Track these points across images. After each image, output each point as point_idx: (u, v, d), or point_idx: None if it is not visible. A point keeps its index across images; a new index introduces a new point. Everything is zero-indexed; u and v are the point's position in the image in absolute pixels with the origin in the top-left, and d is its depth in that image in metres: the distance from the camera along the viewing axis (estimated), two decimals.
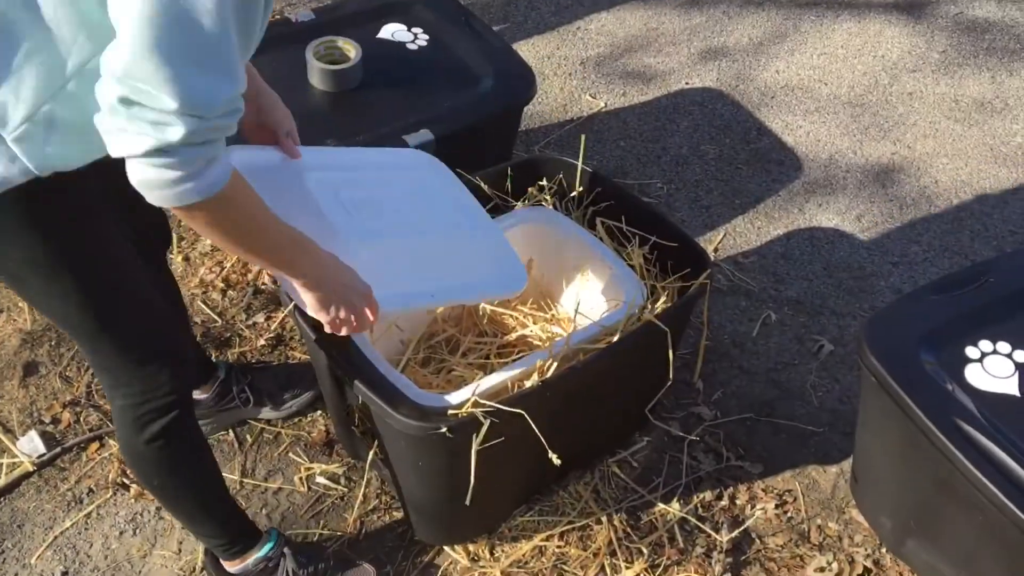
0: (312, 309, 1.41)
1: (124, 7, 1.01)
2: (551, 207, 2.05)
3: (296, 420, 2.14)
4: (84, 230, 1.32)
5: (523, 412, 1.55)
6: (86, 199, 1.30)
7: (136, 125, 1.05)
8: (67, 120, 1.19)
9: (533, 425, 1.57)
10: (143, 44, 1.01)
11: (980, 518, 1.58)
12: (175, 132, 1.05)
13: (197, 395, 2.00)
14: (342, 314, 1.41)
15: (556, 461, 1.61)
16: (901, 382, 1.63)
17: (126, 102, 1.04)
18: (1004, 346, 1.66)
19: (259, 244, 1.27)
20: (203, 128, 1.07)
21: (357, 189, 1.58)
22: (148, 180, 1.09)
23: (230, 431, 2.11)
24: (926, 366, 1.64)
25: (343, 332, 1.46)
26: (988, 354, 1.65)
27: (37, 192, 1.22)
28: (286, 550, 1.77)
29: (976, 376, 1.62)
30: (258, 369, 2.14)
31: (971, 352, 1.66)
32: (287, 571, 1.76)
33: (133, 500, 1.99)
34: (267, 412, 2.11)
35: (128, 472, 2.03)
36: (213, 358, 2.13)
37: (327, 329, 1.46)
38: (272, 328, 2.33)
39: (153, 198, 1.12)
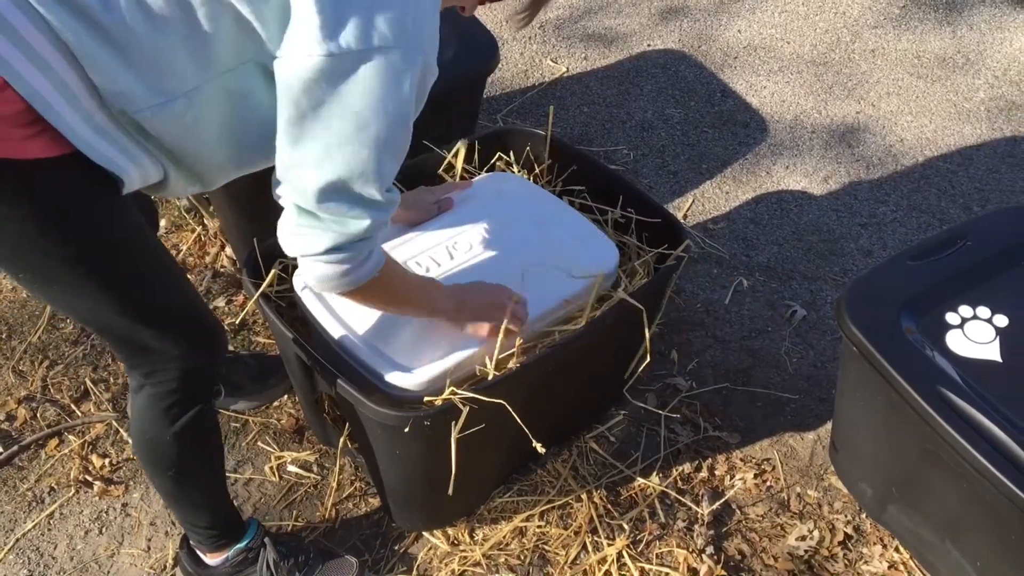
0: (472, 333, 1.60)
1: (352, 125, 1.17)
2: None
3: (264, 407, 2.08)
4: (124, 226, 1.28)
5: (504, 402, 1.51)
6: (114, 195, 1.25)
7: (323, 223, 1.24)
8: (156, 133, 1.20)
9: (515, 415, 1.53)
10: (373, 152, 1.19)
11: (963, 484, 1.57)
12: (358, 225, 1.24)
13: None
14: (496, 317, 1.58)
15: (540, 450, 1.58)
16: (882, 350, 1.61)
17: (325, 195, 1.21)
18: (984, 311, 1.65)
19: (407, 303, 1.50)
20: (383, 220, 1.27)
21: (422, 250, 1.78)
22: (323, 275, 1.29)
23: None
24: (907, 333, 1.62)
25: (507, 328, 1.59)
26: (968, 319, 1.64)
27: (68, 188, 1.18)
28: (266, 540, 1.73)
29: (957, 342, 1.61)
30: (230, 361, 2.07)
31: (951, 318, 1.64)
32: (267, 562, 1.71)
33: (97, 498, 1.92)
34: (241, 404, 2.04)
35: (89, 469, 1.96)
36: None
37: (489, 335, 1.61)
38: (233, 312, 2.25)
39: (321, 288, 1.32)
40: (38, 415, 2.05)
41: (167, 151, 1.23)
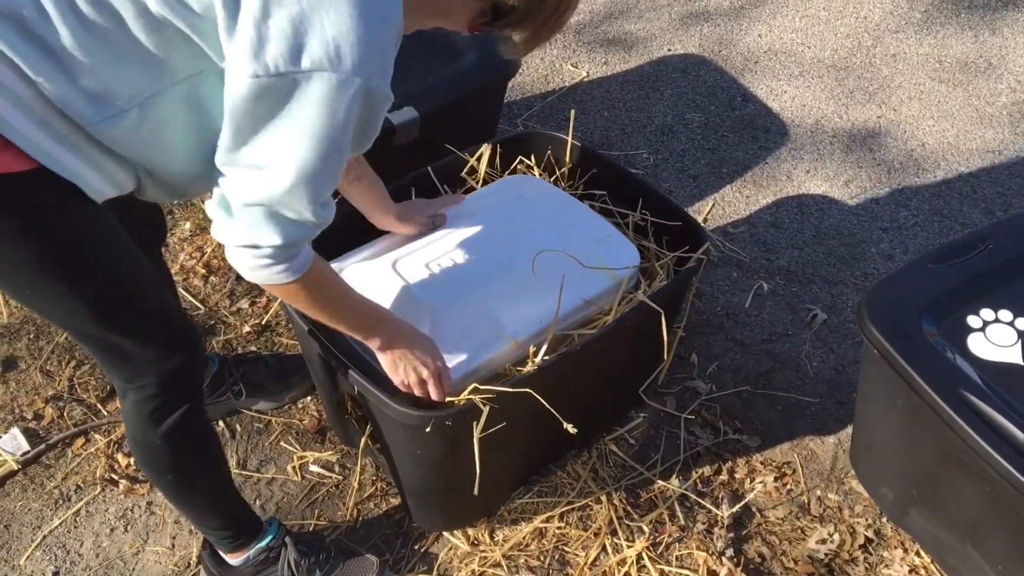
0: (385, 368, 1.56)
1: (277, 149, 1.14)
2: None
3: (286, 408, 2.10)
4: (95, 234, 1.27)
5: (530, 390, 1.52)
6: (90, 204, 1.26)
7: (239, 223, 1.21)
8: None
9: (542, 400, 1.55)
10: (298, 178, 1.16)
11: (985, 488, 1.57)
12: (269, 239, 1.21)
13: None
14: (411, 377, 1.55)
15: (572, 431, 1.58)
16: (904, 353, 1.60)
17: (247, 205, 1.19)
18: (1006, 314, 1.64)
19: (334, 318, 1.44)
20: (300, 237, 1.24)
21: (444, 252, 1.78)
22: (237, 262, 1.26)
23: (219, 421, 2.06)
24: (928, 336, 1.62)
25: (417, 393, 1.57)
26: (990, 323, 1.63)
27: (44, 199, 1.19)
28: (287, 540, 1.74)
29: (978, 345, 1.61)
30: (250, 361, 2.09)
31: (973, 321, 1.64)
32: (289, 561, 1.73)
33: (123, 496, 1.95)
34: (262, 404, 2.07)
35: (115, 468, 1.99)
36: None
37: (401, 389, 1.58)
38: (257, 314, 2.27)
39: (240, 271, 1.27)
40: (65, 414, 2.08)
41: (136, 161, 1.22)
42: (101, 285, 1.29)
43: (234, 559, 1.72)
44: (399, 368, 1.54)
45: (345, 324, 1.47)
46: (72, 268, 1.25)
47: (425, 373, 1.54)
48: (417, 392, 1.56)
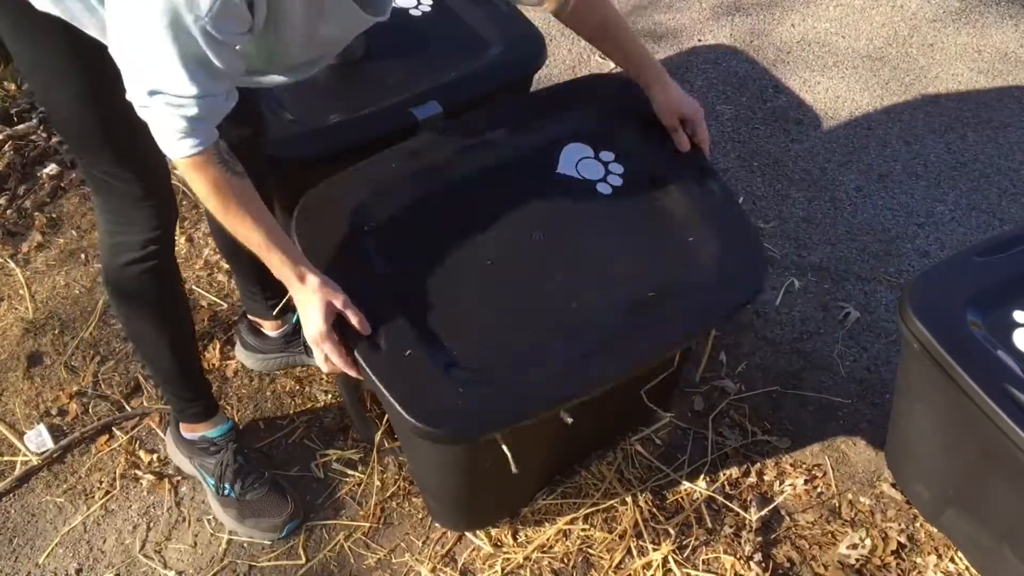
0: (306, 325, 1.46)
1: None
2: None
3: (309, 406, 2.09)
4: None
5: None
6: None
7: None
8: None
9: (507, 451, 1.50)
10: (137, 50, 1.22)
11: None
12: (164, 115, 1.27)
13: (268, 331, 2.11)
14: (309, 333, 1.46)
15: (514, 470, 1.53)
16: (947, 346, 1.55)
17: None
18: None
19: (233, 223, 1.38)
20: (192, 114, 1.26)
21: None
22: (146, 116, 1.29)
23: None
24: (973, 330, 1.57)
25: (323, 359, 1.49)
26: None
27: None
28: (231, 444, 1.89)
29: None
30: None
31: (1019, 316, 1.59)
32: (223, 462, 1.87)
33: (146, 493, 1.94)
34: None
35: (139, 464, 1.99)
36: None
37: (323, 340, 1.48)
38: None
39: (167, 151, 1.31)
40: (89, 410, 2.08)
41: None
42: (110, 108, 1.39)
43: (187, 433, 1.90)
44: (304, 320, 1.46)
45: (251, 244, 1.41)
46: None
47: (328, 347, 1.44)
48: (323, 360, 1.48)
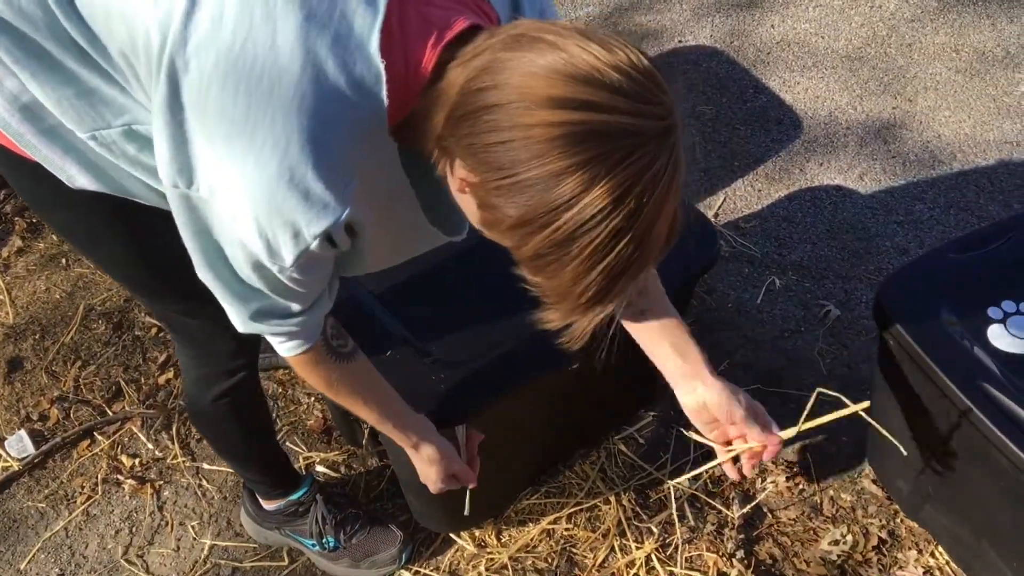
0: (422, 476, 1.53)
1: None
2: None
3: (292, 408, 2.09)
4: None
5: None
6: None
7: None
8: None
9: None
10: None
11: (1001, 482, 1.53)
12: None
13: None
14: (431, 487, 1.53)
15: (466, 512, 1.56)
16: (922, 343, 1.57)
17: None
18: None
19: (354, 406, 1.37)
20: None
21: None
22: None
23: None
24: (947, 326, 1.58)
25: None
26: (1011, 314, 1.59)
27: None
28: (318, 497, 1.81)
29: (999, 337, 1.56)
30: None
31: (993, 312, 1.60)
32: (317, 517, 1.80)
33: (128, 498, 1.94)
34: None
35: (120, 469, 1.98)
36: None
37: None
38: None
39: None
40: (71, 415, 2.07)
41: None
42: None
43: (268, 505, 1.81)
44: (430, 476, 1.52)
45: (370, 418, 1.41)
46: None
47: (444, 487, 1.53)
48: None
